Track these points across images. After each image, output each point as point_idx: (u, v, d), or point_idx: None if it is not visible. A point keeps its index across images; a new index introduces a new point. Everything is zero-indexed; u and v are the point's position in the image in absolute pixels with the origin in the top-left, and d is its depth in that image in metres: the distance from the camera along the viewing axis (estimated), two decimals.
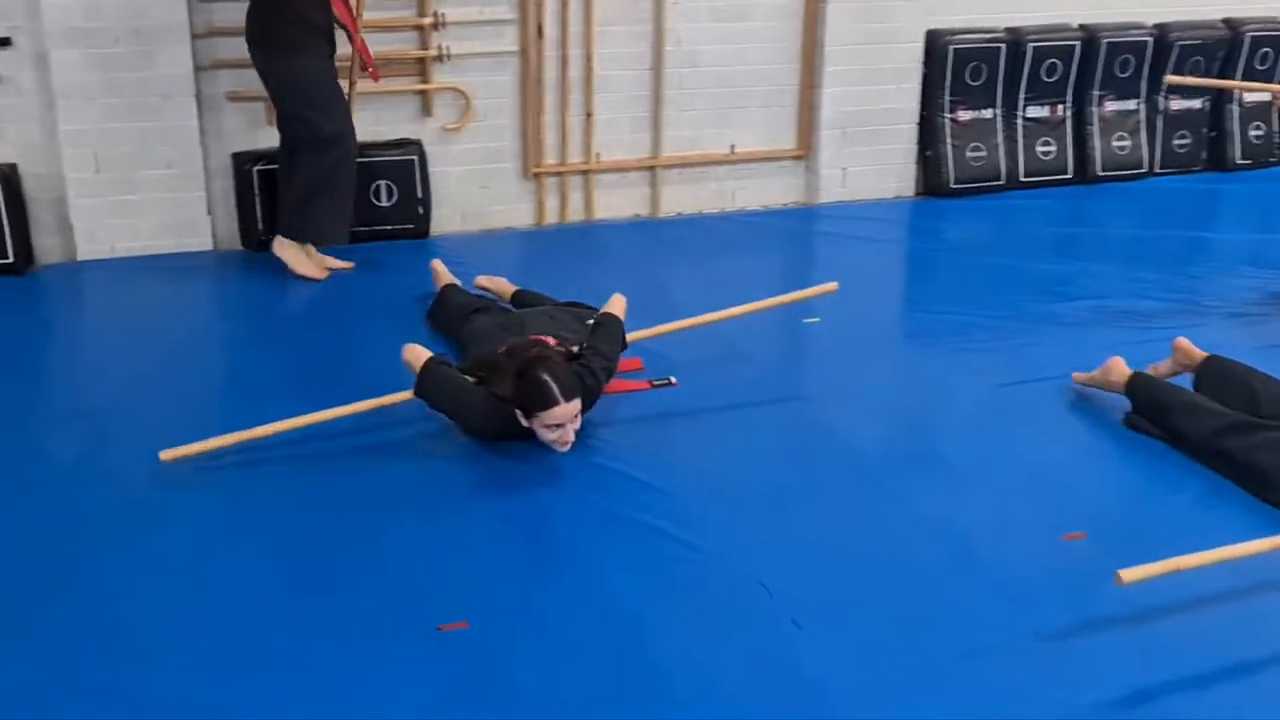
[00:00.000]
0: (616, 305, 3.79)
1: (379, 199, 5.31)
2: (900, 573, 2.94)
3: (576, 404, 3.36)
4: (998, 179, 6.19)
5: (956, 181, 6.11)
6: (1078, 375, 3.93)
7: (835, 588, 2.87)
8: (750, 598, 2.83)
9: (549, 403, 3.32)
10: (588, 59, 5.54)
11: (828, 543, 3.06)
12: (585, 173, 5.71)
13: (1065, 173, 6.33)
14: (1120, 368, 3.76)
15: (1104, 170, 6.38)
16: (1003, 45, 6.07)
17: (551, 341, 3.57)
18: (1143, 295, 4.84)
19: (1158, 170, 6.53)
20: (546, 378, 3.33)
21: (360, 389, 3.63)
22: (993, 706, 2.47)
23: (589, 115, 5.62)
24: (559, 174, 5.67)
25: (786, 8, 5.78)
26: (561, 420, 3.35)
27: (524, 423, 3.40)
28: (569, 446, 3.41)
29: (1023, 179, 6.25)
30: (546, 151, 5.63)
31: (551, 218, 5.72)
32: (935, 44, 5.98)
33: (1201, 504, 3.25)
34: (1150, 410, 3.58)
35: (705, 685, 2.53)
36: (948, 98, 6.07)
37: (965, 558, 2.99)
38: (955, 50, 5.99)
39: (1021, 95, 6.21)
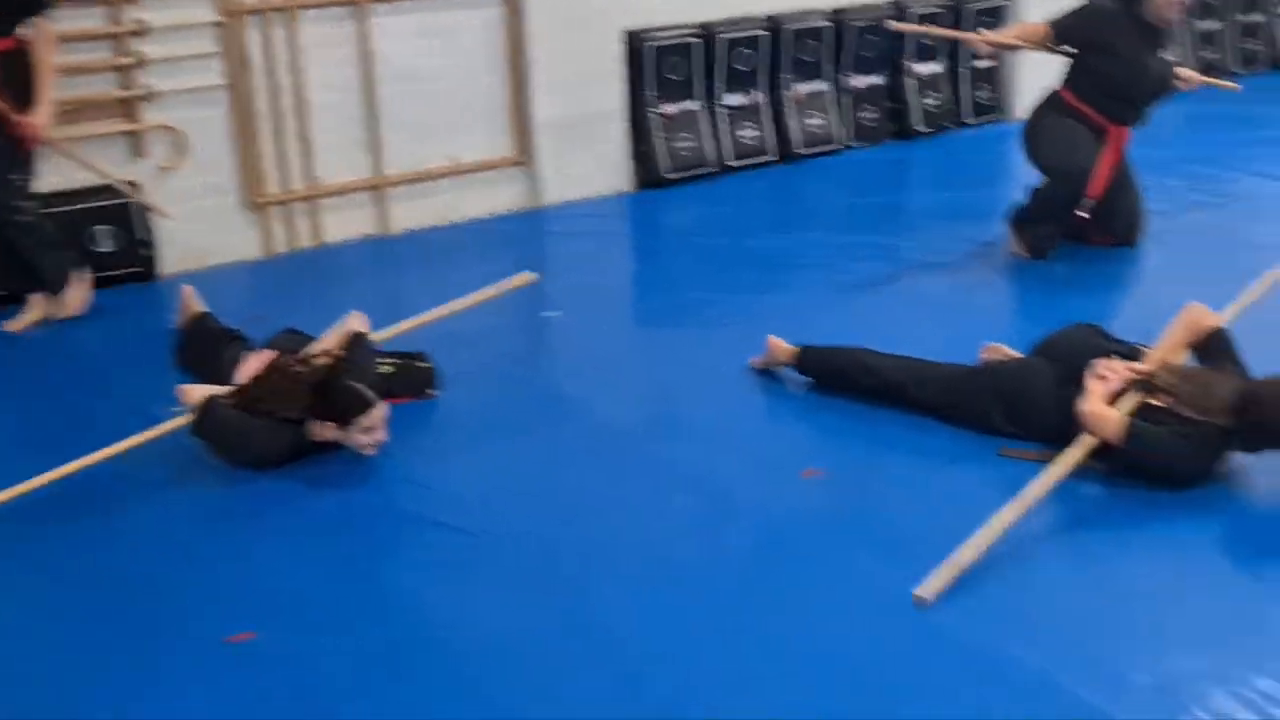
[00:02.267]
0: (355, 321, 3.83)
1: (98, 245, 5.17)
2: (669, 524, 3.14)
3: (384, 403, 3.48)
4: (707, 165, 6.53)
5: (669, 171, 6.42)
6: (753, 361, 4.07)
7: (615, 548, 3.04)
8: (535, 573, 2.97)
9: (368, 404, 3.43)
10: (298, 86, 5.55)
11: (600, 510, 3.24)
12: (309, 198, 5.71)
13: (769, 154, 6.75)
14: (781, 346, 3.95)
15: (803, 148, 6.83)
16: (697, 40, 6.41)
17: (275, 354, 3.64)
18: (855, 258, 5.23)
19: (850, 144, 7.04)
20: (354, 384, 3.45)
21: (107, 437, 3.57)
22: (768, 639, 2.69)
23: (306, 141, 5.63)
24: (283, 202, 5.66)
25: (489, 20, 5.95)
26: (377, 422, 3.46)
27: (322, 437, 3.47)
28: (379, 448, 3.50)
29: (730, 163, 6.62)
30: (268, 181, 5.61)
31: (280, 246, 5.69)
32: (635, 44, 6.27)
33: (917, 428, 3.60)
34: (828, 379, 3.86)
35: (502, 666, 2.64)
36: (652, 93, 6.37)
37: (724, 504, 3.22)
38: (654, 48, 6.29)
39: (719, 85, 6.58)
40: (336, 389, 3.48)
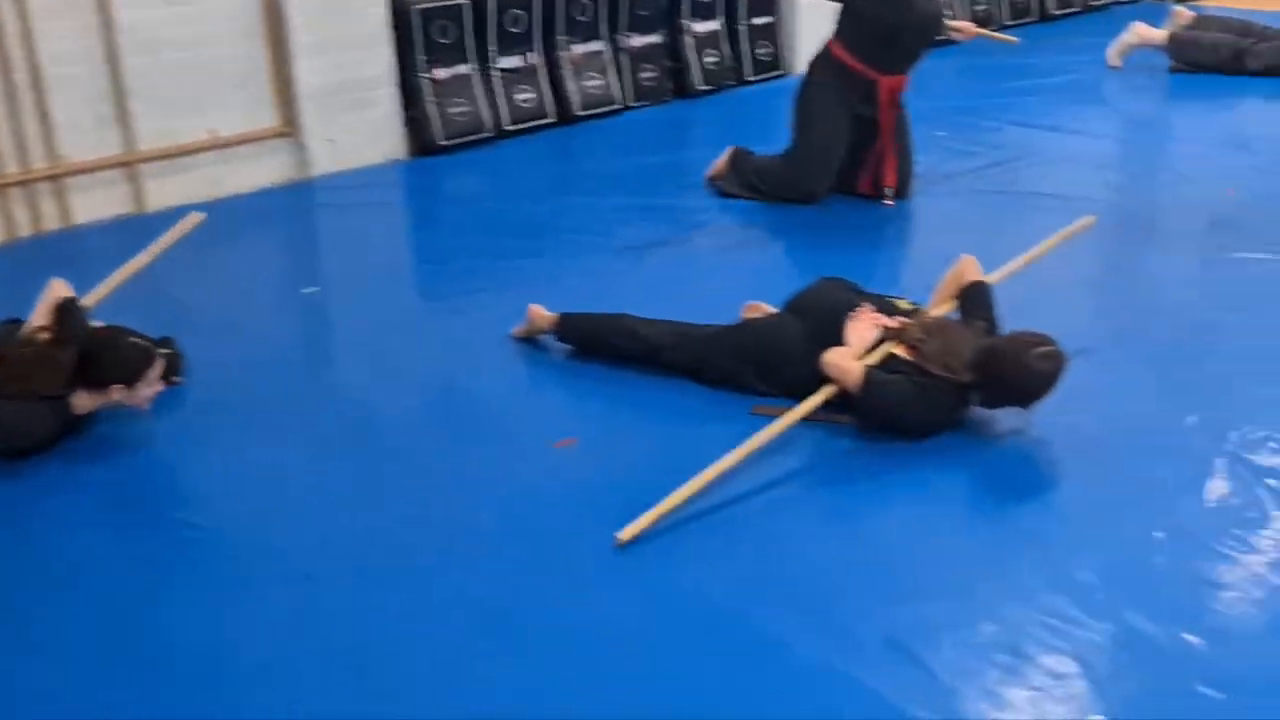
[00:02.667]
0: (58, 288, 3.59)
1: None
2: (412, 510, 3.03)
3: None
4: (483, 130, 6.38)
5: (445, 138, 6.24)
6: (515, 330, 3.97)
7: (350, 540, 2.92)
8: (260, 564, 2.82)
9: (150, 358, 3.34)
10: (32, 59, 5.20)
11: (342, 500, 3.10)
12: (53, 178, 5.36)
13: (547, 116, 6.62)
14: (541, 313, 3.87)
15: (582, 110, 6.72)
16: (467, 3, 6.23)
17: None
18: (632, 220, 5.16)
19: (631, 104, 6.96)
20: (125, 342, 3.35)
21: None
22: (500, 613, 2.61)
23: (46, 117, 5.28)
24: (23, 183, 5.30)
25: None
26: (155, 377, 3.36)
27: (88, 407, 3.33)
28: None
29: (507, 128, 6.48)
30: (6, 161, 5.24)
31: (24, 231, 5.34)
32: (401, 6, 6.06)
33: (677, 391, 3.55)
34: (589, 345, 3.78)
35: (214, 657, 2.50)
36: (422, 58, 6.18)
37: (471, 483, 3.12)
38: (421, 11, 6.10)
39: (493, 48, 6.42)
40: (111, 351, 3.35)
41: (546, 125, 6.62)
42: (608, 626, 2.54)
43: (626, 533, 2.76)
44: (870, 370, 3.15)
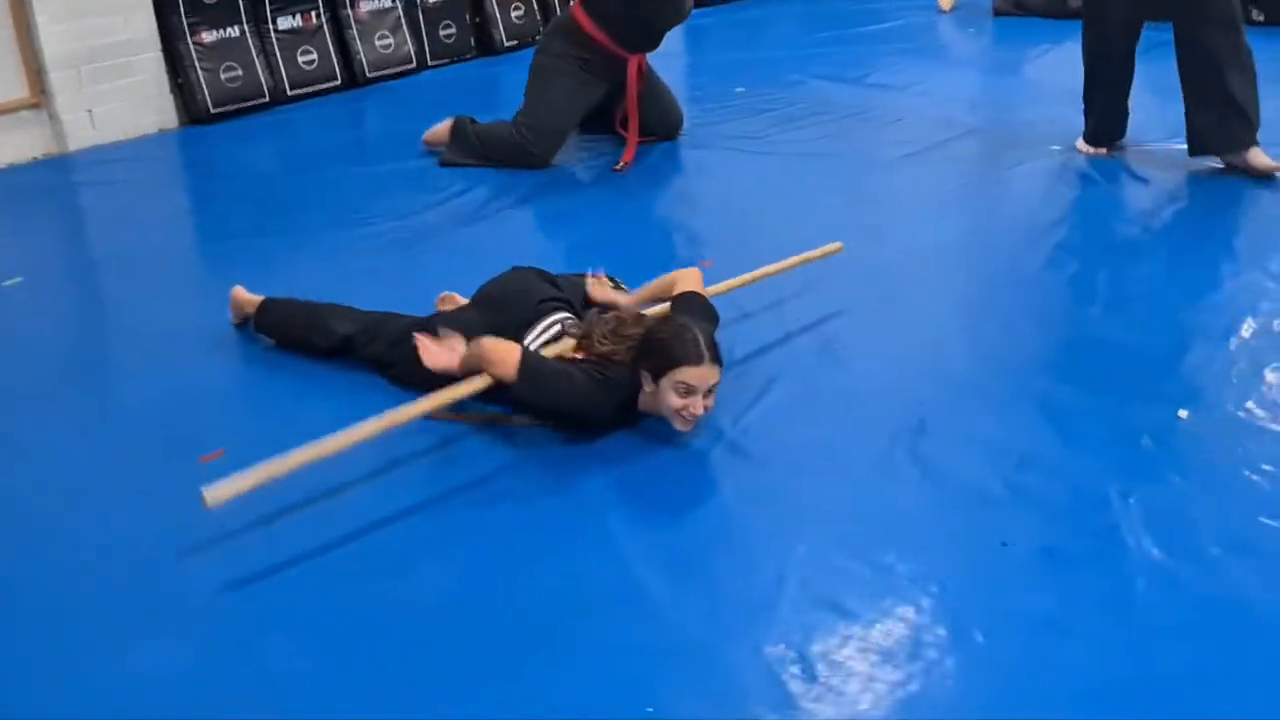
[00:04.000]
0: None
1: None
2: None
3: None
4: (262, 96, 6.01)
5: (215, 105, 5.87)
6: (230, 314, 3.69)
7: None
8: None
9: None
10: None
11: None
12: None
13: (334, 79, 6.27)
14: (244, 298, 3.57)
15: (373, 71, 6.37)
16: None
17: None
18: (392, 193, 4.82)
19: (430, 63, 6.62)
20: None
21: None
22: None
23: None
24: None
25: None
26: None
27: None
28: None
29: (290, 93, 6.12)
30: None
31: None
32: None
33: (363, 387, 3.26)
34: (284, 337, 3.49)
35: None
36: (186, 21, 5.79)
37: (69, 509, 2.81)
38: None
39: (268, 7, 6.04)
40: None
41: (333, 89, 6.26)
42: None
43: (215, 493, 2.49)
44: (527, 355, 2.88)
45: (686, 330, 2.85)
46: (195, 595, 2.48)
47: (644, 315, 3.10)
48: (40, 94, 5.54)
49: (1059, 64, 5.86)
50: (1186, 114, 4.41)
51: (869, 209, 4.38)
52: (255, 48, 6.00)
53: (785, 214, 4.35)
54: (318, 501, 2.74)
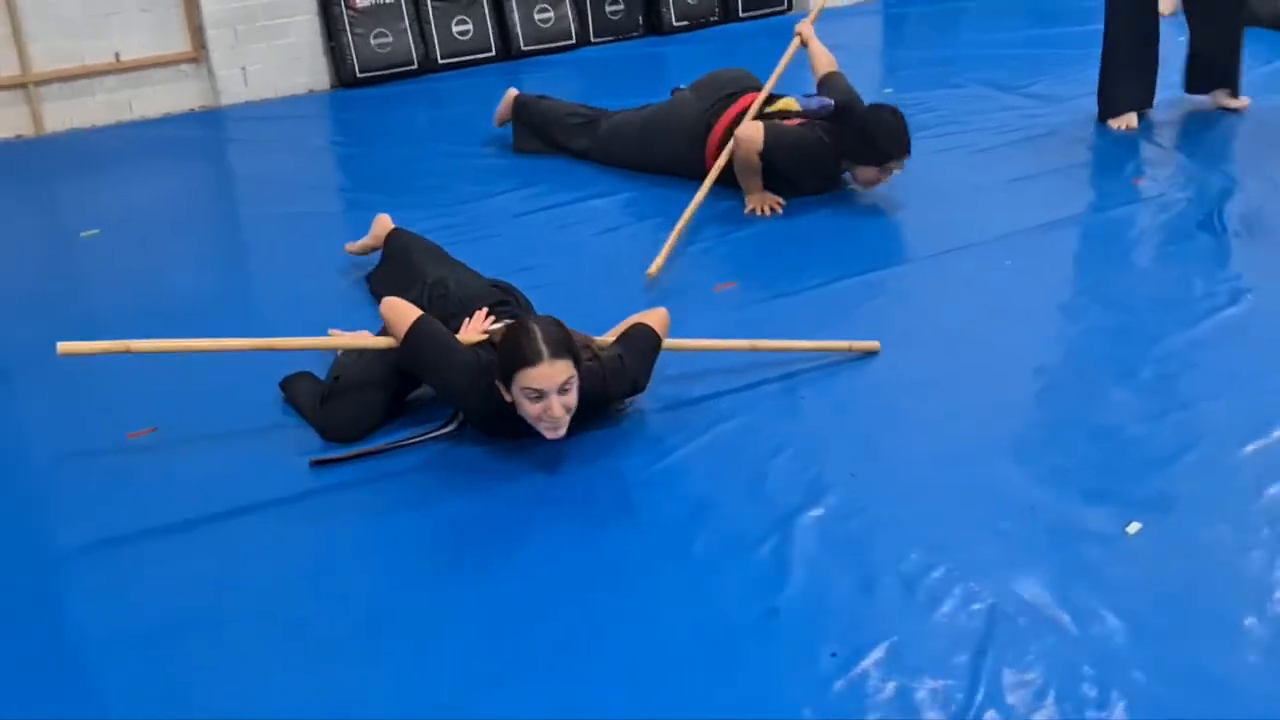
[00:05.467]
0: None
1: None
2: None
3: None
4: (410, 64, 6.08)
5: (363, 70, 5.98)
6: (349, 246, 3.92)
7: None
8: None
9: None
10: None
11: None
12: None
13: (488, 51, 6.27)
14: (385, 222, 3.78)
15: (529, 45, 6.34)
16: None
17: None
18: (503, 179, 4.76)
19: (593, 40, 6.53)
20: None
21: None
22: None
23: None
24: None
25: None
26: None
27: None
28: None
29: (441, 61, 6.16)
30: None
31: None
32: None
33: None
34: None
35: None
36: None
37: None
38: None
39: None
40: None
41: (486, 60, 6.27)
42: None
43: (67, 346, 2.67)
44: (424, 320, 2.80)
45: (523, 328, 2.67)
46: None
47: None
48: (200, 49, 5.79)
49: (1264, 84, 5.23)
50: (1194, 54, 5.01)
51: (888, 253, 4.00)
52: (409, 15, 6.06)
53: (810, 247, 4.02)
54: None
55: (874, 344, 3.24)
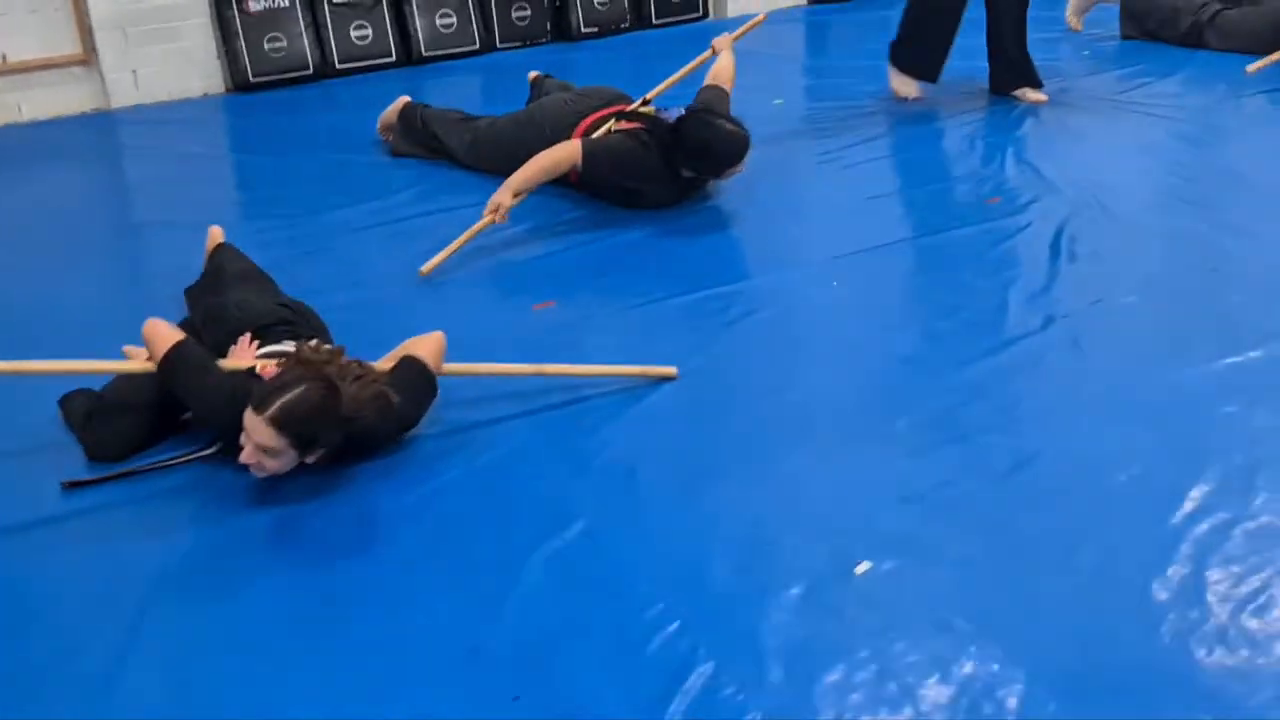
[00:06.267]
0: None
1: None
2: None
3: None
4: (306, 68, 6.04)
5: (257, 75, 5.94)
6: None
7: None
8: None
9: None
10: None
11: None
12: None
13: (388, 56, 6.23)
14: (214, 235, 3.68)
15: (431, 50, 6.29)
16: None
17: None
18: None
19: (499, 46, 6.48)
20: None
21: None
22: None
23: None
24: None
25: None
26: None
27: None
28: None
29: (339, 66, 6.12)
30: None
31: None
32: None
33: None
34: None
35: None
36: None
37: None
38: None
39: None
40: None
41: (385, 65, 6.22)
42: None
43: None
44: (184, 344, 2.76)
45: (286, 378, 2.62)
46: None
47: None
48: (90, 51, 5.76)
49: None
50: (992, 55, 5.31)
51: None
52: (305, 19, 6.02)
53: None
54: None
55: (670, 369, 3.19)
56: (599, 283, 3.83)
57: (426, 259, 3.88)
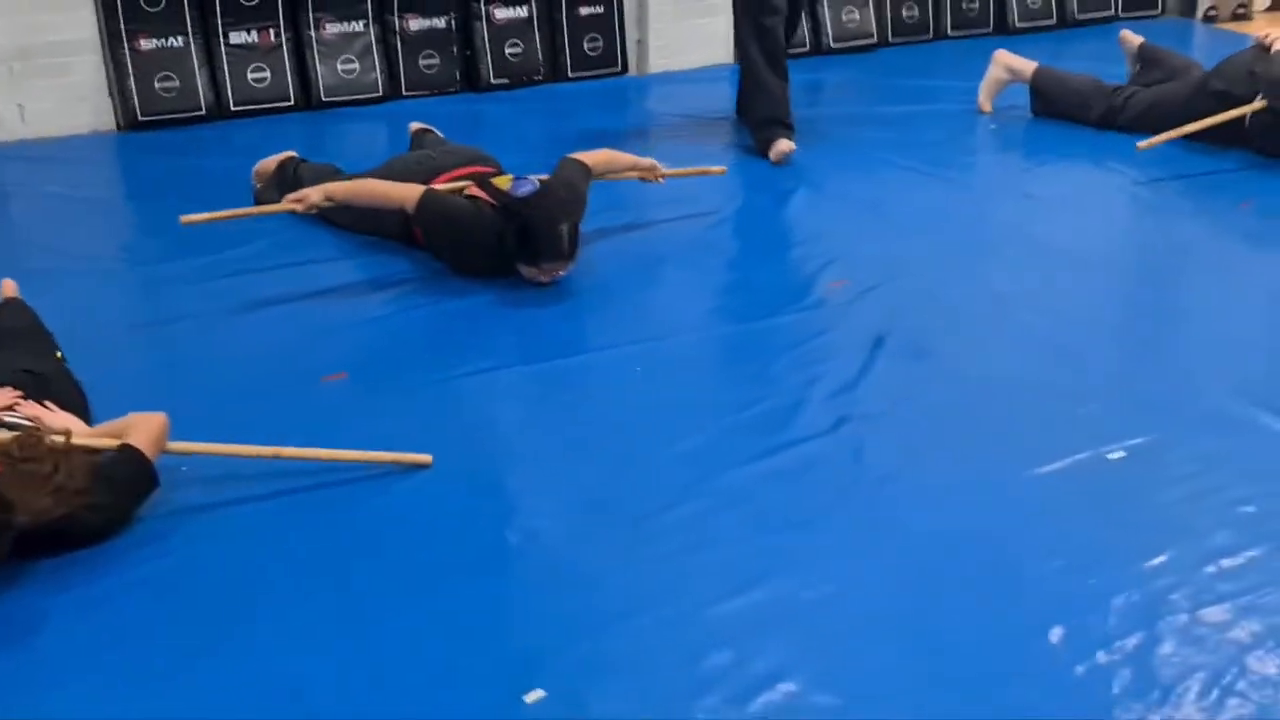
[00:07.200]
0: None
1: None
2: None
3: None
4: (199, 109, 5.95)
5: (146, 114, 5.85)
6: None
7: None
8: None
9: None
10: None
11: None
12: None
13: (287, 100, 6.14)
14: (7, 289, 3.63)
15: (331, 96, 6.20)
16: None
17: None
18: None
19: (405, 94, 6.38)
20: None
21: None
22: None
23: None
24: None
25: None
26: None
27: None
28: None
29: (235, 108, 6.03)
30: None
31: None
32: None
33: None
34: None
35: None
36: (125, 26, 5.80)
37: None
38: None
39: (220, 20, 5.96)
40: None
41: (285, 109, 6.13)
42: None
43: None
44: None
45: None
46: None
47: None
48: None
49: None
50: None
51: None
52: (199, 59, 5.94)
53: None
54: None
55: (425, 457, 3.05)
56: (403, 352, 3.70)
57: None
